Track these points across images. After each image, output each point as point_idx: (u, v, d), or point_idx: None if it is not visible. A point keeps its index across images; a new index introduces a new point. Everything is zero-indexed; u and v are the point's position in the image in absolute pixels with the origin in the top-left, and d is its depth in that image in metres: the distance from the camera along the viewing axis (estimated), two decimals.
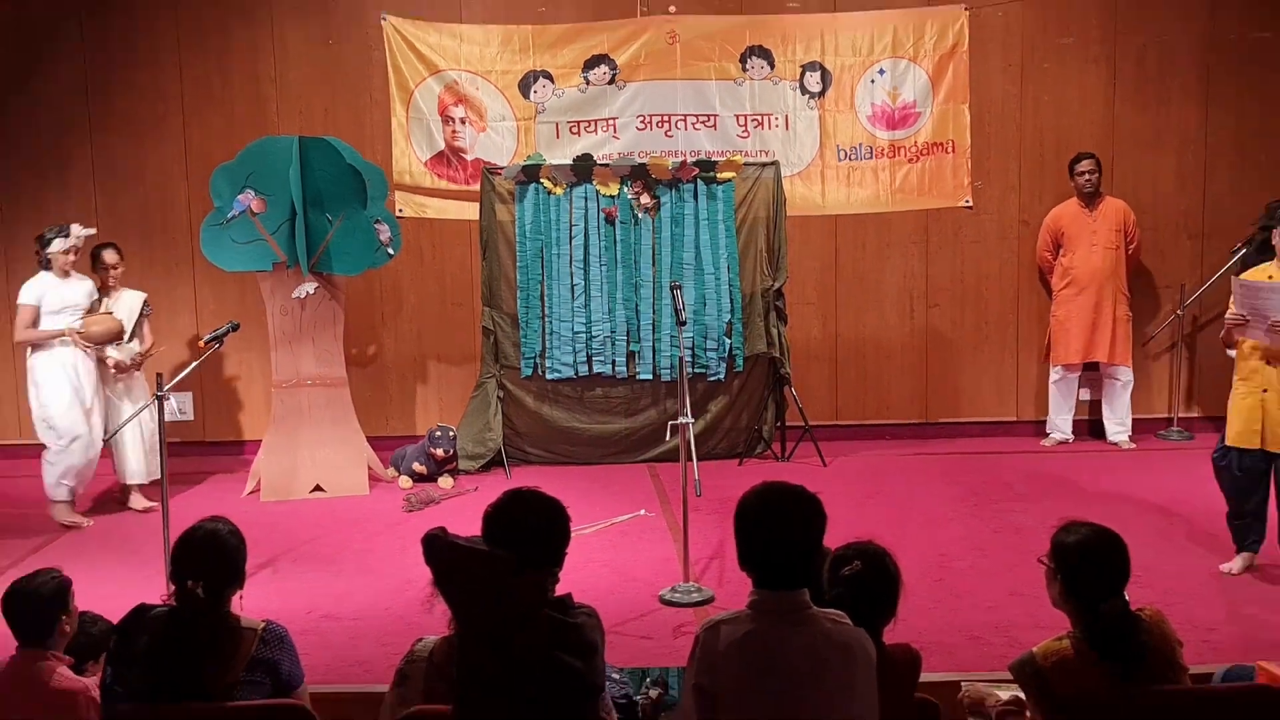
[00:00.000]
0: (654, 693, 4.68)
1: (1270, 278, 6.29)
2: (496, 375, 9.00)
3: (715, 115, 9.57)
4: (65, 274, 7.71)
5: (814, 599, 3.38)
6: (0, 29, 9.36)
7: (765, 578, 3.35)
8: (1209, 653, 5.17)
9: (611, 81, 9.53)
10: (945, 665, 5.05)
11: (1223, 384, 6.79)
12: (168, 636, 3.73)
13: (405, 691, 3.64)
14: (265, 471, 8.45)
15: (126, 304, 8.03)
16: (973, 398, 9.83)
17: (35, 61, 9.43)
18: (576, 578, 3.61)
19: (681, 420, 6.67)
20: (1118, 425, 9.38)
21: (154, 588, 5.65)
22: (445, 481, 8.56)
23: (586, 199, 8.92)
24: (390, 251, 8.44)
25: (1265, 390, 6.29)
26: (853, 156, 9.62)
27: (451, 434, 8.76)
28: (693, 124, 9.57)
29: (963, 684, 4.57)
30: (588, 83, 9.52)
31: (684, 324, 7.47)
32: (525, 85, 9.51)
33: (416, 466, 8.62)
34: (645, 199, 8.91)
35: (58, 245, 7.68)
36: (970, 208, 9.65)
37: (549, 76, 9.52)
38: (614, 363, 8.97)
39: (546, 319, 8.94)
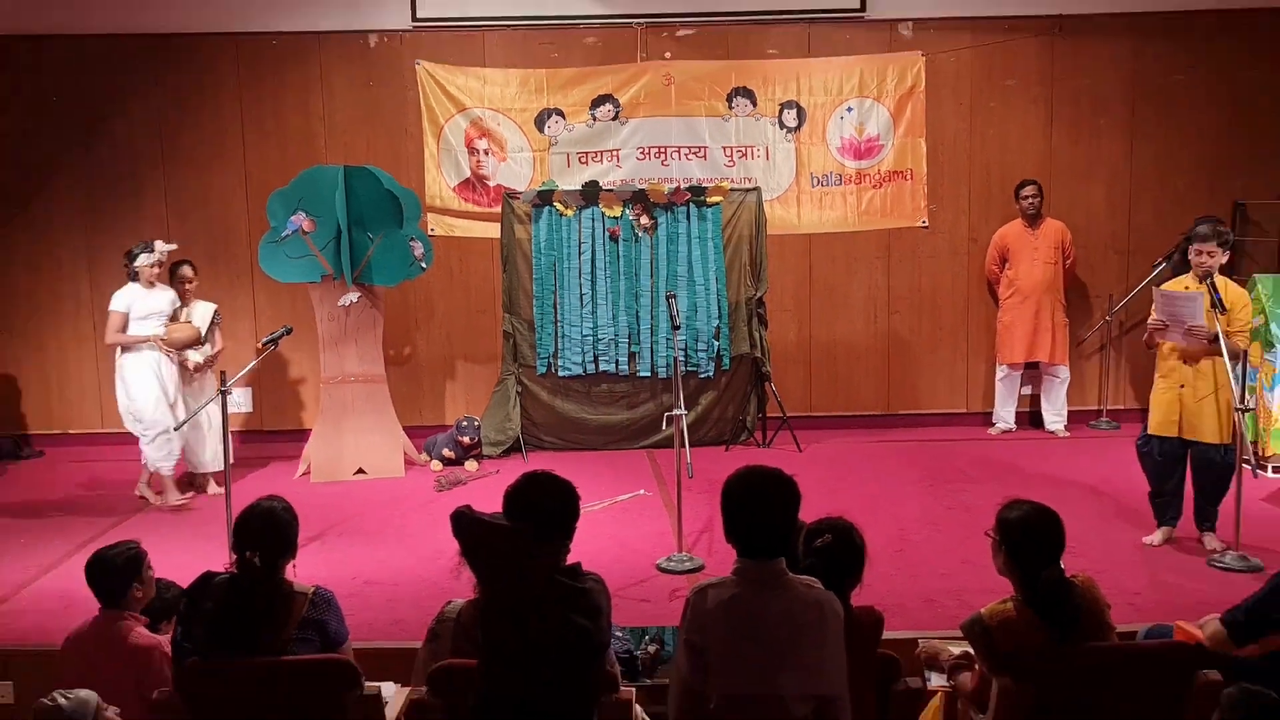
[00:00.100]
0: (652, 648, 4.69)
1: (1186, 288, 6.31)
2: (515, 373, 9.00)
3: (705, 147, 9.56)
4: (150, 285, 7.69)
5: (790, 567, 3.39)
6: (85, 74, 9.35)
7: (748, 548, 3.36)
8: (1133, 614, 5.18)
9: (615, 118, 9.52)
10: (904, 625, 5.07)
11: (1145, 380, 6.82)
12: (229, 600, 3.75)
13: (436, 648, 3.65)
14: (315, 456, 8.46)
15: (200, 313, 8.03)
16: (929, 392, 9.82)
17: (115, 101, 9.42)
18: (585, 549, 3.59)
19: (676, 412, 6.68)
20: (1055, 416, 9.38)
21: (219, 558, 5.63)
22: (471, 465, 8.57)
23: (593, 220, 8.91)
24: (423, 265, 8.43)
25: (1182, 386, 6.33)
26: (824, 183, 9.61)
27: (476, 424, 8.76)
28: (685, 155, 9.57)
29: (920, 641, 4.59)
30: (594, 119, 9.52)
31: (678, 328, 7.47)
32: (540, 121, 9.51)
33: (446, 452, 8.62)
34: (644, 220, 8.91)
35: (144, 259, 7.68)
36: (926, 227, 9.64)
37: (561, 113, 9.51)
38: (617, 362, 8.96)
39: (559, 324, 8.93)
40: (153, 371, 7.58)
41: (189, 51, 9.39)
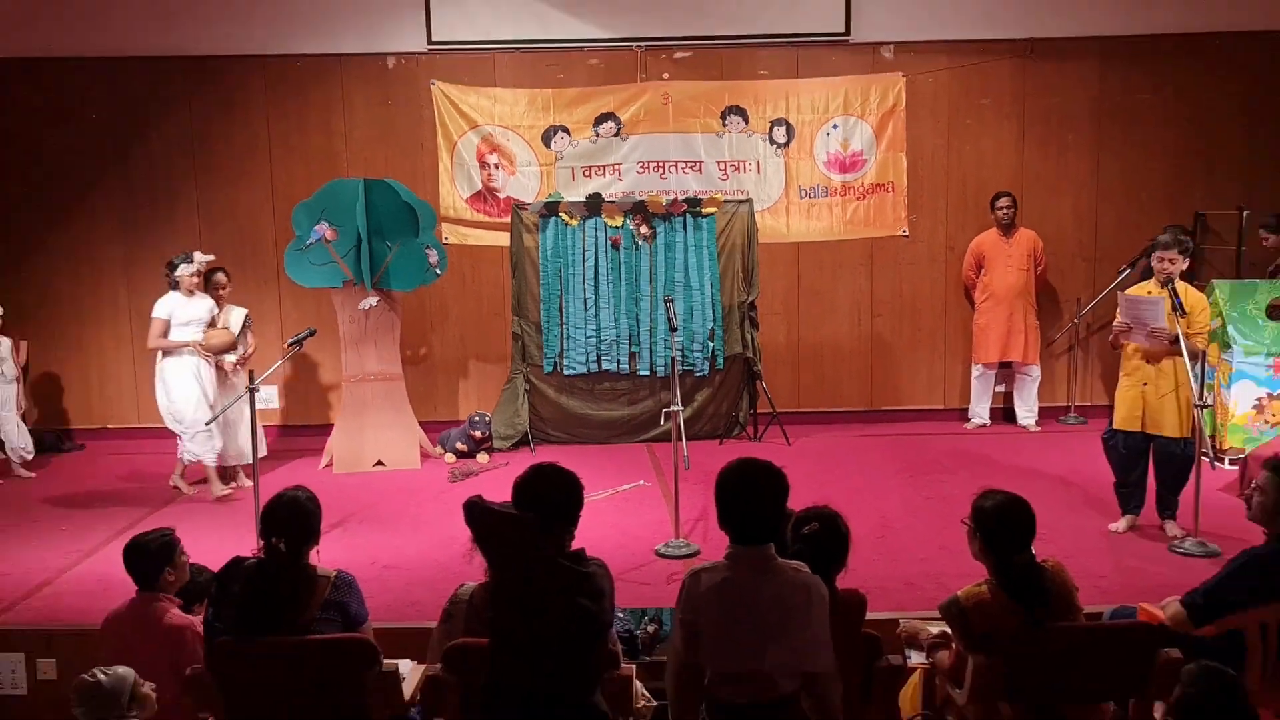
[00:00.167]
0: (651, 628, 4.70)
1: (1149, 293, 6.33)
2: (523, 371, 8.99)
3: (700, 162, 9.55)
4: (190, 293, 7.67)
5: (779, 552, 3.40)
6: (123, 94, 9.36)
7: (740, 535, 3.37)
8: (1099, 596, 5.19)
9: (617, 134, 9.52)
10: (886, 606, 5.07)
11: (1110, 378, 6.82)
12: (257, 583, 3.76)
13: (450, 627, 3.66)
14: (337, 449, 8.46)
15: (234, 317, 8.03)
16: (909, 390, 9.81)
17: (150, 119, 9.43)
18: (588, 536, 3.60)
19: (673, 408, 6.68)
20: (1026, 412, 9.37)
21: (247, 544, 5.64)
22: (482, 457, 8.56)
23: (596, 229, 8.91)
24: (438, 272, 8.43)
25: (1145, 384, 6.34)
26: (812, 195, 9.61)
27: (487, 419, 8.76)
28: (682, 169, 9.56)
29: (901, 621, 4.60)
30: (597, 135, 9.51)
31: (675, 330, 7.47)
32: (547, 137, 9.50)
33: (459, 445, 8.61)
34: (644, 229, 8.90)
35: (184, 269, 7.67)
36: (907, 236, 9.63)
37: (566, 130, 9.51)
38: (619, 361, 8.96)
39: (564, 326, 8.93)
40: (193, 374, 7.57)
41: (220, 73, 9.40)
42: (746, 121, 9.55)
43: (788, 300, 9.63)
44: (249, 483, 7.71)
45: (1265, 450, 6.81)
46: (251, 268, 9.12)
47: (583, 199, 9.05)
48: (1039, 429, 9.29)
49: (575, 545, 3.53)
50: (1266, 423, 7.85)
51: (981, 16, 9.44)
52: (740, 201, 9.13)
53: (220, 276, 8.07)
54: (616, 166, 9.55)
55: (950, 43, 9.47)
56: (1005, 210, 9.14)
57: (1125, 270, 8.97)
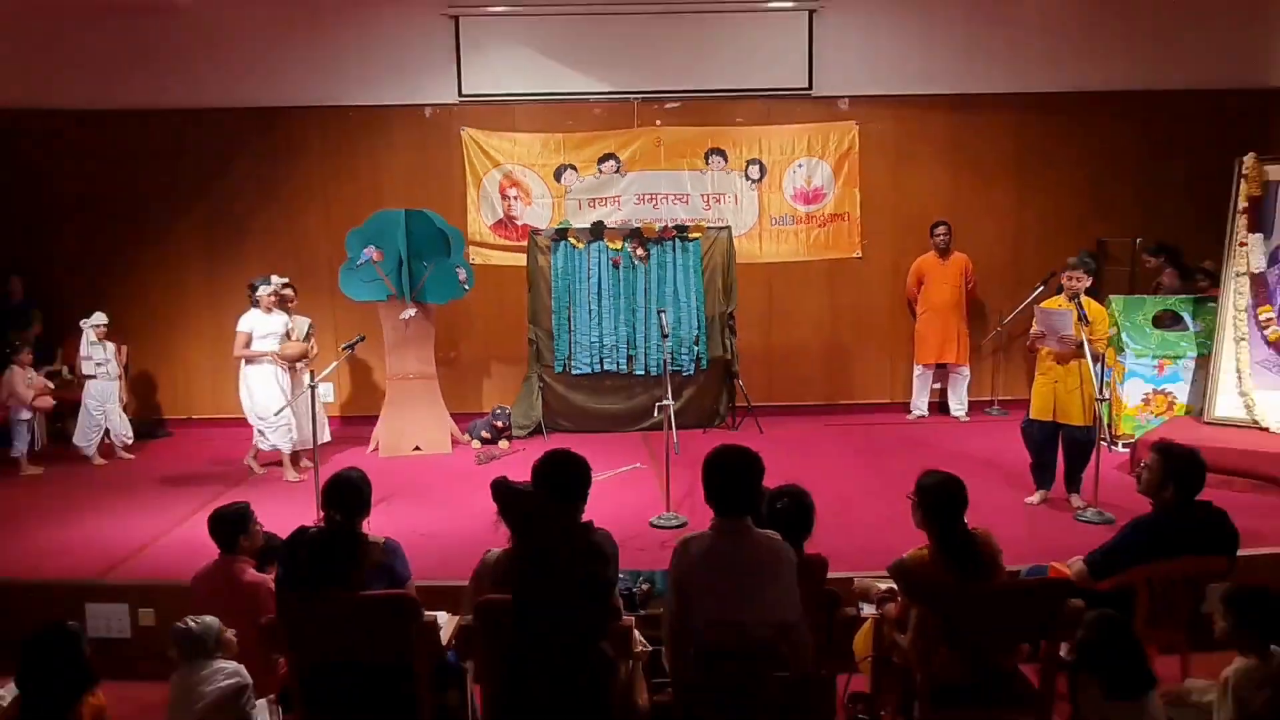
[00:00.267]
0: (645, 586, 4.72)
1: (1060, 306, 6.37)
2: (538, 371, 8.99)
3: (687, 194, 9.55)
4: (269, 310, 7.66)
5: (755, 524, 3.41)
6: (201, 139, 9.36)
7: (722, 509, 3.39)
8: (1017, 557, 5.14)
9: (617, 171, 9.52)
10: (844, 567, 5.06)
11: (1027, 377, 6.84)
12: (318, 548, 3.77)
13: (479, 585, 3.69)
14: (382, 436, 8.46)
15: (299, 325, 8.03)
16: (862, 386, 9.82)
17: (225, 160, 9.43)
18: (594, 509, 3.62)
19: (665, 402, 6.71)
20: (958, 405, 9.39)
21: (310, 516, 5.67)
22: (504, 444, 8.56)
23: (600, 252, 8.92)
24: (466, 287, 8.43)
25: (1056, 381, 6.40)
26: (781, 223, 9.62)
27: (507, 411, 8.78)
28: (672, 200, 9.56)
29: (855, 579, 4.61)
30: (600, 172, 9.52)
31: (666, 337, 7.52)
32: (558, 174, 9.51)
33: (484, 434, 8.62)
34: (640, 252, 8.92)
35: (263, 289, 7.66)
36: (860, 258, 9.64)
37: (574, 168, 9.51)
38: (618, 362, 8.95)
39: (572, 333, 8.93)
40: (273, 379, 7.55)
41: (283, 121, 9.39)
42: (726, 161, 9.56)
43: (761, 311, 9.64)
44: (308, 463, 7.74)
45: (1152, 436, 6.85)
46: (310, 284, 9.12)
47: (588, 226, 9.06)
48: (969, 419, 9.31)
49: (584, 518, 3.55)
50: (1153, 413, 7.88)
51: (921, 75, 9.45)
52: (721, 228, 9.14)
53: (288, 291, 8.07)
54: (616, 198, 9.55)
55: (895, 97, 9.49)
56: (942, 237, 9.16)
57: (1040, 287, 8.99)
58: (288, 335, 7.74)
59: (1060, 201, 9.62)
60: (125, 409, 8.66)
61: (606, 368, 8.95)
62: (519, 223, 9.53)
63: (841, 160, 9.55)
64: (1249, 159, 7.50)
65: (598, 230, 8.97)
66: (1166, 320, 8.04)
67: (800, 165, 9.57)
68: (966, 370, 9.34)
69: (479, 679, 3.66)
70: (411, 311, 8.23)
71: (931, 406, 9.51)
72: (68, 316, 8.81)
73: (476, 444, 8.57)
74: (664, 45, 9.39)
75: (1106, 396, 7.02)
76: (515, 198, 9.54)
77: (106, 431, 8.42)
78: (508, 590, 3.42)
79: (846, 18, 9.42)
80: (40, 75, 9.25)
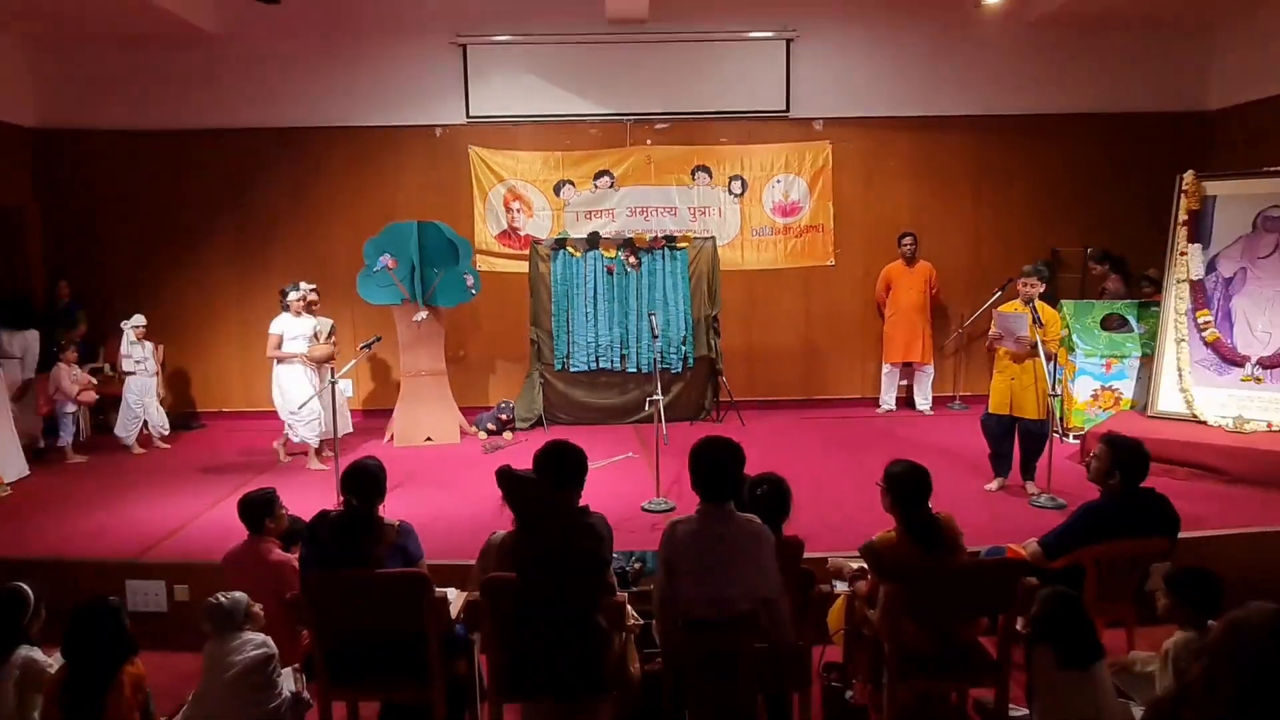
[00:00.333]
0: (637, 565, 4.71)
1: (1016, 310, 6.36)
2: (539, 368, 8.98)
3: (675, 208, 9.56)
4: (298, 314, 7.62)
5: (737, 508, 3.41)
6: (232, 156, 9.36)
7: (707, 495, 3.39)
8: (977, 539, 5.17)
9: (611, 186, 9.52)
10: (819, 547, 5.08)
11: (985, 374, 6.85)
12: (339, 530, 3.76)
13: (485, 564, 3.68)
14: (397, 427, 8.45)
15: (322, 326, 7.99)
16: (835, 383, 9.83)
17: (254, 175, 9.41)
18: (590, 495, 3.61)
19: (655, 397, 6.70)
20: (923, 400, 9.41)
21: (330, 500, 5.66)
22: (508, 435, 8.55)
23: (595, 260, 8.91)
24: (473, 292, 8.42)
25: (1012, 378, 6.40)
26: (761, 234, 9.62)
27: (511, 405, 8.76)
28: (661, 213, 9.56)
29: (829, 559, 4.62)
30: (596, 187, 9.51)
31: (657, 337, 7.51)
32: (557, 188, 9.50)
33: (490, 425, 8.61)
34: (632, 260, 8.91)
35: (293, 295, 7.62)
36: (833, 266, 9.66)
37: (572, 183, 9.51)
38: (613, 361, 8.94)
39: (570, 334, 8.92)
40: (303, 378, 7.50)
41: (306, 140, 9.38)
42: (711, 177, 9.56)
43: (743, 314, 9.64)
44: (329, 453, 7.73)
45: (1100, 429, 6.86)
46: (331, 289, 9.11)
47: (585, 236, 9.06)
48: (933, 413, 9.33)
49: (581, 502, 3.55)
50: (1100, 408, 7.91)
51: (889, 99, 9.48)
52: (706, 239, 9.14)
53: (312, 295, 8.05)
54: (611, 211, 9.55)
55: (865, 118, 9.51)
56: (908, 246, 9.17)
57: (998, 293, 9.01)
58: (315, 337, 7.71)
59: (1016, 214, 9.65)
60: (162, 403, 8.64)
61: (602, 366, 8.94)
62: (521, 233, 9.52)
63: (816, 176, 9.56)
64: (1189, 176, 7.53)
65: (594, 240, 8.96)
66: (1113, 323, 8.07)
67: (779, 181, 9.57)
68: (930, 368, 9.35)
69: (485, 649, 3.65)
70: (423, 314, 8.21)
71: (899, 401, 9.53)
72: (110, 318, 8.82)
73: (483, 435, 8.56)
74: (654, 71, 9.39)
75: (1058, 392, 7.04)
76: (518, 210, 9.53)
77: (145, 423, 8.40)
78: (511, 568, 3.42)
79: (821, 46, 9.43)
80: (87, 98, 9.26)
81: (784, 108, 9.47)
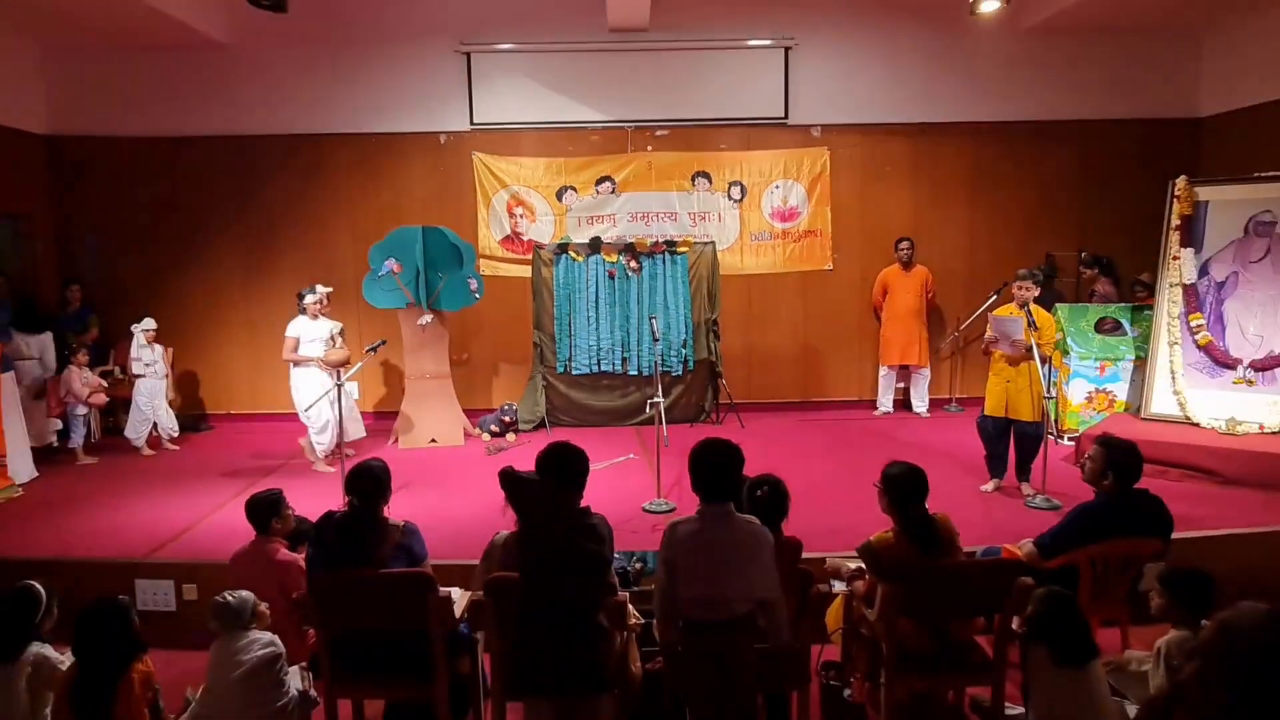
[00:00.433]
0: (638, 565, 4.71)
1: (1011, 314, 6.35)
2: (541, 371, 8.97)
3: (676, 213, 9.55)
4: (315, 317, 7.61)
5: (737, 509, 3.40)
6: (240, 162, 9.35)
7: (707, 496, 3.38)
8: (973, 539, 5.18)
9: (612, 192, 9.52)
10: (817, 547, 5.08)
11: (981, 377, 6.83)
12: (344, 530, 3.75)
13: (489, 564, 3.67)
14: (401, 429, 8.44)
15: (331, 328, 7.99)
16: (832, 385, 9.82)
17: (261, 180, 9.41)
18: (592, 496, 3.61)
19: (656, 399, 6.70)
20: (919, 402, 9.40)
21: (336, 501, 5.64)
22: (510, 437, 8.55)
23: (597, 264, 8.91)
24: (477, 296, 8.41)
25: (1008, 381, 6.38)
26: (760, 238, 9.62)
27: (514, 407, 8.76)
28: (662, 218, 9.56)
29: (827, 559, 4.61)
30: (598, 192, 9.51)
31: (657, 341, 7.50)
32: (560, 194, 9.50)
33: (493, 427, 8.60)
34: (633, 264, 8.91)
35: (309, 298, 7.61)
36: (831, 270, 9.65)
37: (574, 189, 9.50)
38: (614, 364, 8.93)
39: (572, 337, 8.91)
40: (319, 383, 7.45)
41: (314, 146, 9.38)
42: (710, 183, 9.56)
43: (742, 318, 9.64)
44: (348, 451, 7.74)
45: (1094, 431, 6.87)
46: (337, 293, 9.10)
47: (587, 241, 9.05)
48: (929, 415, 9.32)
49: (583, 503, 3.54)
50: (1095, 410, 7.90)
51: (886, 106, 9.48)
52: (706, 243, 9.13)
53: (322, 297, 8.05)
54: (612, 216, 9.55)
55: (862, 125, 9.51)
56: (905, 251, 9.17)
57: (993, 296, 9.01)
58: (333, 340, 7.69)
59: (1011, 219, 9.64)
60: (171, 405, 8.64)
61: (603, 368, 8.94)
62: (524, 238, 9.52)
63: (814, 182, 9.56)
64: (1181, 181, 7.53)
65: (595, 245, 8.96)
66: (1107, 326, 8.06)
67: (777, 187, 9.57)
68: (927, 371, 9.35)
69: (489, 648, 3.65)
70: (428, 318, 8.21)
71: (895, 404, 9.52)
72: (120, 321, 8.82)
73: (486, 436, 8.56)
74: (655, 79, 9.39)
75: (1053, 395, 7.04)
76: (521, 215, 9.53)
77: (154, 425, 8.40)
78: (514, 568, 3.41)
79: (819, 54, 9.44)
80: (98, 106, 9.26)
81: (782, 115, 9.47)
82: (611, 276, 8.91)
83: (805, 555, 3.91)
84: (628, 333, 8.94)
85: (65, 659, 3.61)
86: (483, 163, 9.43)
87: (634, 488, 6.80)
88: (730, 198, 9.57)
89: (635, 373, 8.94)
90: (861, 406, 9.68)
